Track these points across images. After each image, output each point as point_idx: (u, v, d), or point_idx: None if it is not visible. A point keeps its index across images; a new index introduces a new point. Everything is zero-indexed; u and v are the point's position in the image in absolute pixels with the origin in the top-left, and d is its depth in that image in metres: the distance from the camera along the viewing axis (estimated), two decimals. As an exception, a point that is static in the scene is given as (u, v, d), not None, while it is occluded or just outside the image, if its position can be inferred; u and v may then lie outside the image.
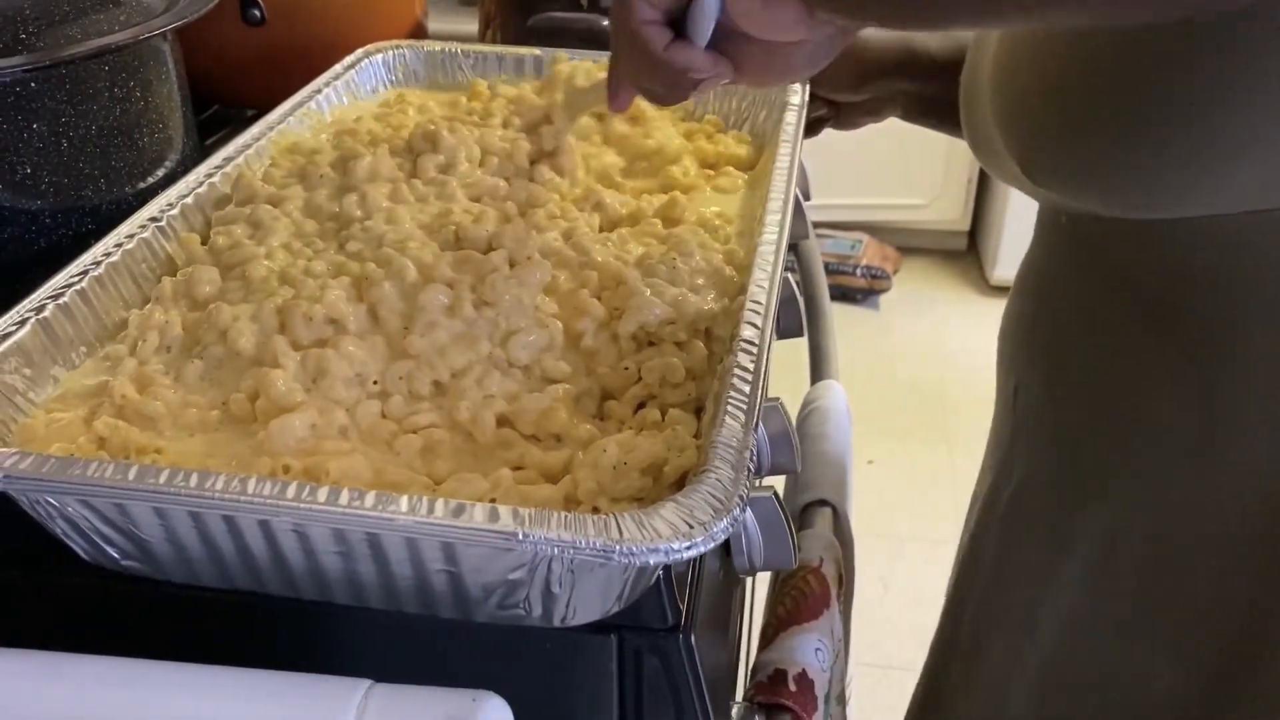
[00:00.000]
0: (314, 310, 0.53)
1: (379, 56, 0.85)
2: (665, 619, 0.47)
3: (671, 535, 0.39)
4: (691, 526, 0.39)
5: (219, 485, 0.40)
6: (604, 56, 0.84)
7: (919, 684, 0.83)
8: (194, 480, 0.40)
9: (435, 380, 0.52)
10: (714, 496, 0.41)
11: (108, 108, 0.68)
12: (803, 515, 0.75)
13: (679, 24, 0.51)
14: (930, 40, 0.80)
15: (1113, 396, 0.62)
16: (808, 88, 0.80)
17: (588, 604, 0.45)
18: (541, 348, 0.54)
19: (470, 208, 0.64)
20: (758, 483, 0.50)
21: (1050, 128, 0.57)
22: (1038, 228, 0.68)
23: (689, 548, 0.38)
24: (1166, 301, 0.58)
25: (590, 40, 0.91)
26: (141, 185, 0.72)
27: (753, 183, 0.73)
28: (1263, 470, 0.57)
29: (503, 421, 0.51)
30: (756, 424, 0.45)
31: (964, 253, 2.89)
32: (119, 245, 0.58)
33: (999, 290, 2.61)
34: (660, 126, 0.76)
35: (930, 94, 0.81)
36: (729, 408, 0.45)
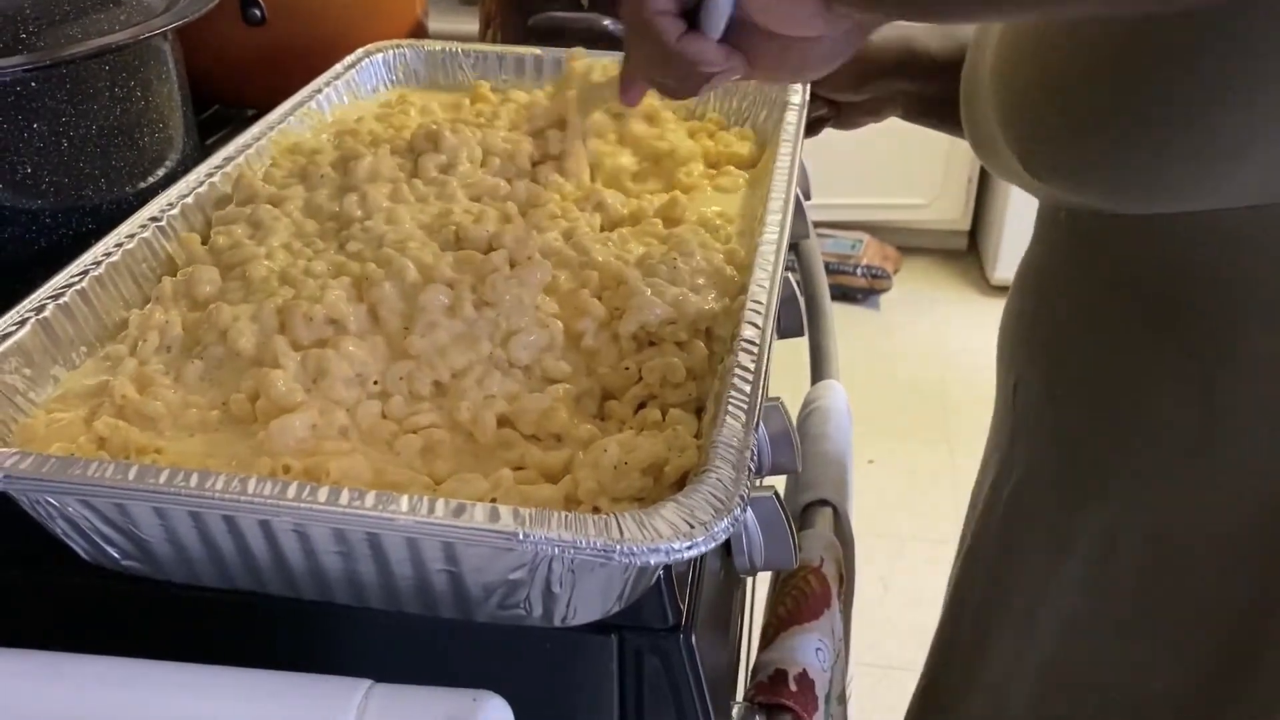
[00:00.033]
0: (314, 310, 0.53)
1: (379, 56, 0.85)
2: (666, 619, 0.47)
3: (672, 535, 0.39)
4: (692, 526, 0.39)
5: (219, 485, 0.40)
6: (618, 56, 0.84)
7: (919, 683, 0.83)
8: (194, 480, 0.40)
9: (436, 380, 0.52)
10: (715, 496, 0.41)
11: (108, 107, 0.68)
12: (803, 515, 0.75)
13: (693, 16, 0.50)
14: (930, 40, 0.80)
15: (1112, 394, 0.62)
16: (808, 87, 0.80)
17: (588, 604, 0.45)
18: (542, 348, 0.54)
19: (470, 208, 0.64)
20: (758, 482, 0.50)
21: (1051, 123, 0.57)
22: (1037, 225, 0.68)
23: (690, 548, 0.38)
24: (1166, 298, 0.58)
25: (591, 40, 0.91)
26: (142, 185, 0.72)
27: (753, 182, 0.73)
28: (1263, 469, 0.57)
29: (503, 421, 0.51)
30: (757, 424, 0.45)
31: (964, 252, 2.89)
32: (119, 245, 0.58)
33: (999, 290, 2.61)
34: (673, 128, 0.76)
35: (930, 94, 0.81)
36: (730, 407, 0.45)
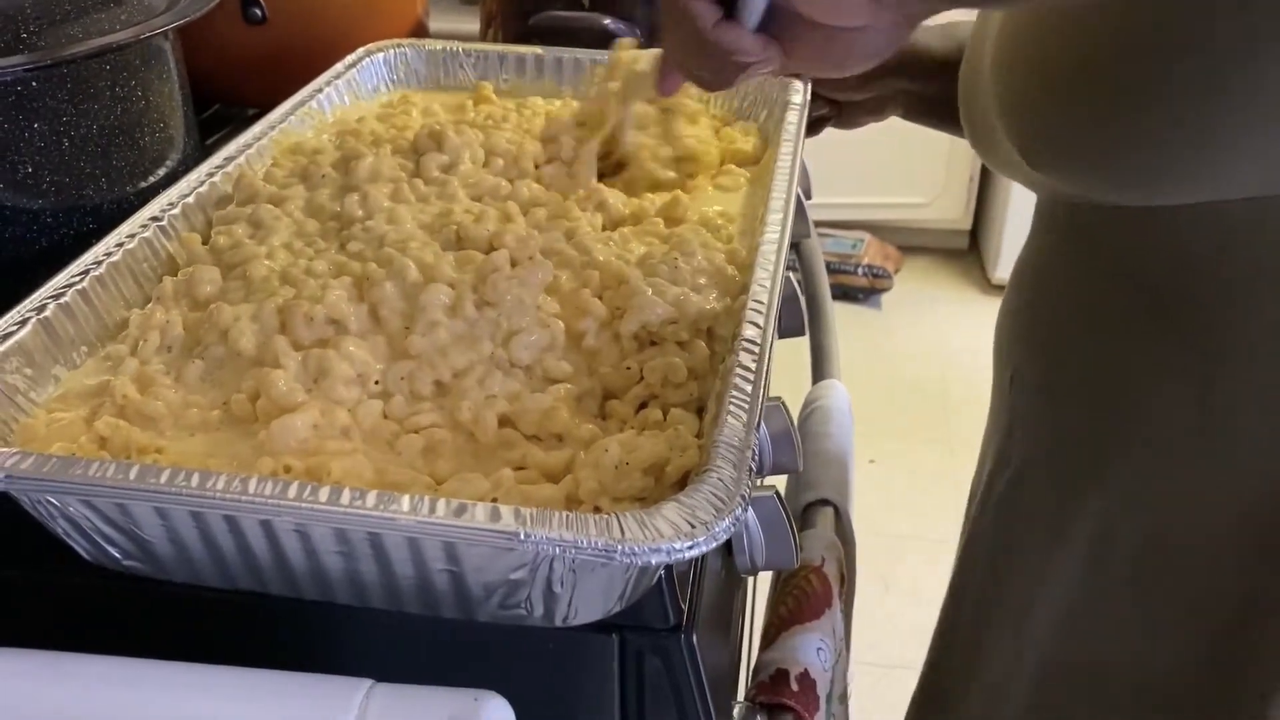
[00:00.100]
0: (315, 310, 0.53)
1: (380, 55, 0.85)
2: (667, 619, 0.47)
3: (673, 535, 0.39)
4: (693, 526, 0.39)
5: (220, 485, 0.40)
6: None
7: (921, 675, 0.83)
8: (195, 480, 0.40)
9: (437, 380, 0.52)
10: (716, 496, 0.41)
11: (109, 107, 0.68)
12: (804, 515, 0.75)
13: (730, 4, 0.48)
14: (931, 39, 0.80)
15: (1110, 387, 0.62)
16: (809, 86, 0.80)
17: (589, 604, 0.45)
18: (543, 347, 0.54)
19: (471, 207, 0.64)
20: (759, 482, 0.50)
21: (1052, 114, 0.57)
22: (1035, 220, 0.68)
23: (691, 547, 0.38)
24: (1165, 290, 0.58)
25: (592, 39, 0.91)
26: (143, 184, 0.72)
27: (754, 181, 0.73)
28: (1260, 461, 0.57)
29: (504, 421, 0.51)
30: (758, 423, 0.45)
31: (965, 252, 2.89)
32: (120, 245, 0.58)
33: (1000, 289, 2.60)
34: (705, 125, 0.76)
35: (931, 93, 0.82)
36: (731, 407, 0.45)
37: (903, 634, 1.65)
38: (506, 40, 0.98)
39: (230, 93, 0.95)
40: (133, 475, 0.41)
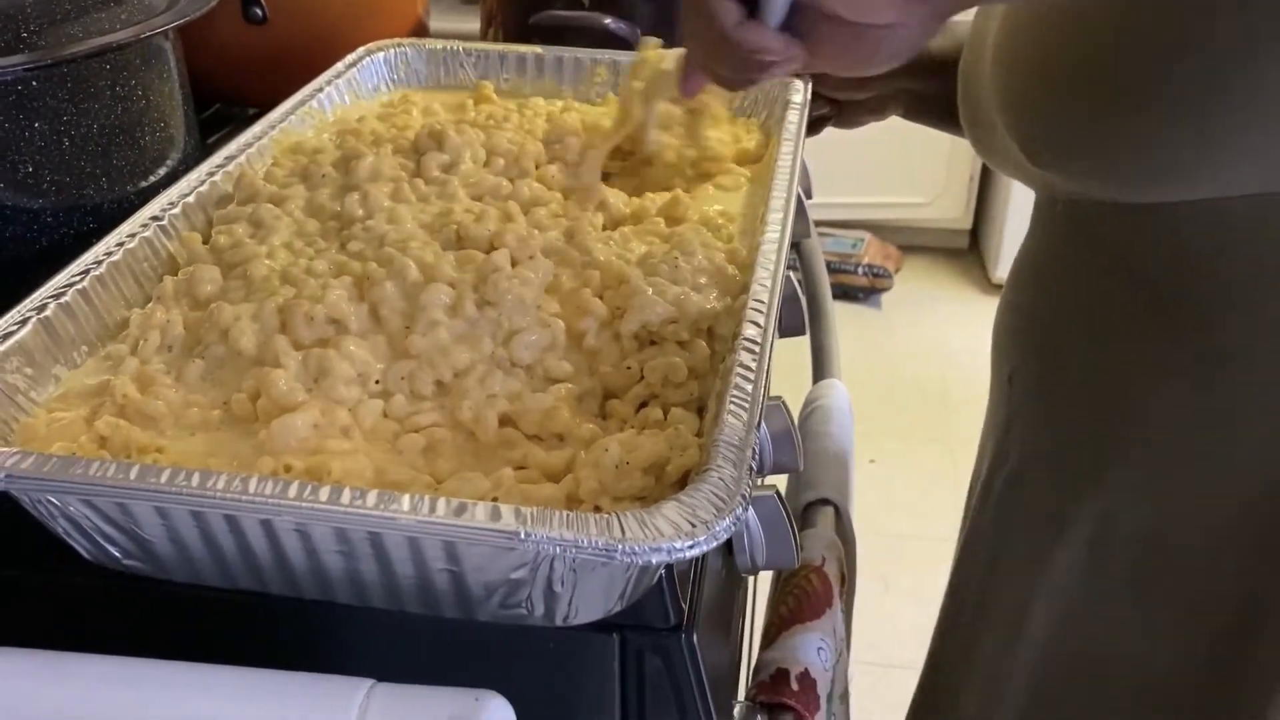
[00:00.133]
0: (315, 310, 0.53)
1: (381, 55, 0.85)
2: (667, 618, 0.47)
3: (674, 534, 0.39)
4: (694, 525, 0.39)
5: (221, 485, 0.40)
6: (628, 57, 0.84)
7: (923, 672, 0.83)
8: (196, 480, 0.40)
9: (437, 380, 0.52)
10: (716, 495, 0.41)
11: (109, 106, 0.68)
12: (805, 514, 0.75)
13: (753, 3, 0.47)
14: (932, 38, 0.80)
15: (1108, 384, 0.62)
16: (810, 86, 0.80)
17: (590, 603, 0.45)
18: (544, 347, 0.54)
19: (472, 207, 0.64)
20: (760, 481, 0.50)
21: (1052, 111, 0.57)
22: (1034, 217, 0.68)
23: (691, 547, 0.38)
24: (1164, 288, 0.58)
25: (592, 39, 0.91)
26: (143, 184, 0.72)
27: (755, 181, 0.73)
28: (1258, 458, 0.57)
29: (505, 421, 0.51)
30: (759, 423, 0.45)
31: (966, 251, 2.89)
32: (120, 244, 0.58)
33: (1001, 289, 2.61)
34: (727, 130, 0.76)
35: (932, 92, 0.82)
36: (731, 406, 0.45)
37: (903, 633, 1.65)
38: (507, 39, 0.98)
39: (231, 92, 0.95)
40: (133, 475, 0.41)
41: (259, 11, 0.86)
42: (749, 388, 0.47)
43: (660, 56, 0.71)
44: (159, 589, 0.48)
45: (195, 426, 0.50)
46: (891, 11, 0.43)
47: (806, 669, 0.60)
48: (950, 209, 2.79)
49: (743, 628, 0.76)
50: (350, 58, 0.84)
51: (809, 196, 0.89)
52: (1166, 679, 0.64)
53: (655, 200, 0.68)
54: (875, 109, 0.87)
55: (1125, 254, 0.60)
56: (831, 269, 2.46)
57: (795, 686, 0.59)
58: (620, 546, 0.38)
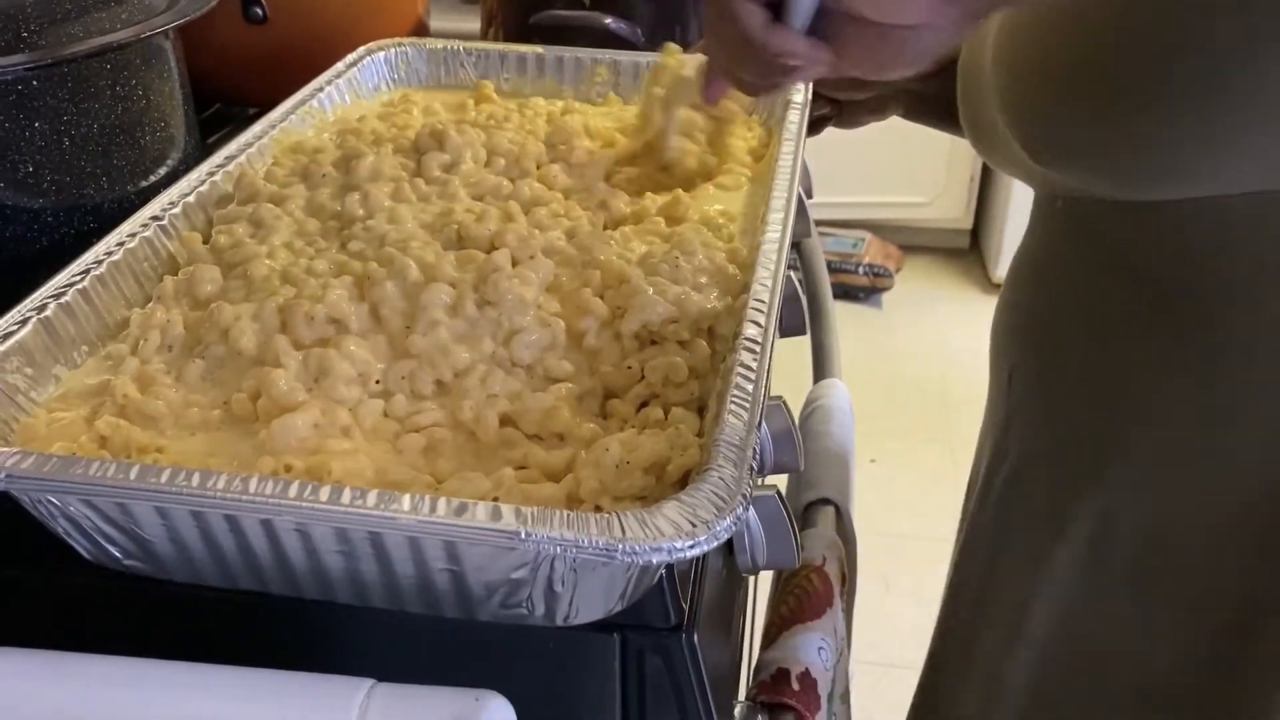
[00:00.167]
0: (316, 310, 0.53)
1: (381, 54, 0.85)
2: (668, 618, 0.47)
3: (674, 534, 0.39)
4: (694, 525, 0.39)
5: (221, 485, 0.40)
6: (636, 57, 0.84)
7: (923, 671, 0.83)
8: (196, 480, 0.40)
9: (438, 379, 0.52)
10: (717, 495, 0.40)
11: (109, 106, 0.68)
12: (805, 514, 0.75)
13: (778, 7, 0.47)
14: None
15: (1108, 383, 0.62)
16: (810, 86, 0.80)
17: (590, 603, 0.44)
18: (544, 347, 0.54)
19: (472, 206, 0.64)
20: (760, 481, 0.50)
21: (1053, 111, 0.57)
22: (1034, 214, 0.68)
23: (692, 547, 0.38)
24: (1166, 286, 0.58)
25: (593, 38, 0.91)
26: (143, 184, 0.72)
27: (755, 180, 0.73)
28: (1259, 456, 0.57)
29: (505, 421, 0.51)
30: (759, 422, 0.45)
31: (966, 251, 2.88)
32: (121, 244, 0.58)
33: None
34: (742, 131, 0.76)
35: (932, 92, 0.81)
36: (732, 406, 0.45)
37: (904, 633, 1.65)
38: (507, 39, 0.98)
39: (231, 92, 0.95)
40: (133, 475, 0.41)
41: (259, 11, 0.86)
42: (750, 387, 0.47)
43: (681, 63, 0.71)
44: (159, 589, 0.48)
45: (195, 426, 0.50)
46: (922, 12, 0.42)
47: (807, 669, 0.60)
48: (951, 209, 2.79)
49: (743, 627, 0.76)
50: (351, 57, 0.84)
51: (810, 196, 0.89)
52: (1167, 678, 0.64)
53: (656, 200, 0.68)
54: (876, 109, 0.87)
55: (1126, 251, 0.60)
56: (832, 268, 2.46)
57: (796, 686, 0.59)
58: (621, 546, 0.38)
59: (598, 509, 0.44)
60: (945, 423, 2.25)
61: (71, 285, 0.54)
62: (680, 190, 0.69)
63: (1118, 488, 0.63)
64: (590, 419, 0.51)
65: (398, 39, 0.87)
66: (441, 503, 0.39)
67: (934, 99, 0.82)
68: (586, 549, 0.38)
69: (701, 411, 0.51)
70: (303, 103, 0.76)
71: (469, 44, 0.87)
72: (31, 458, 0.42)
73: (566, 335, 0.55)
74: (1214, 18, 0.50)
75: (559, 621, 0.45)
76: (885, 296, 2.71)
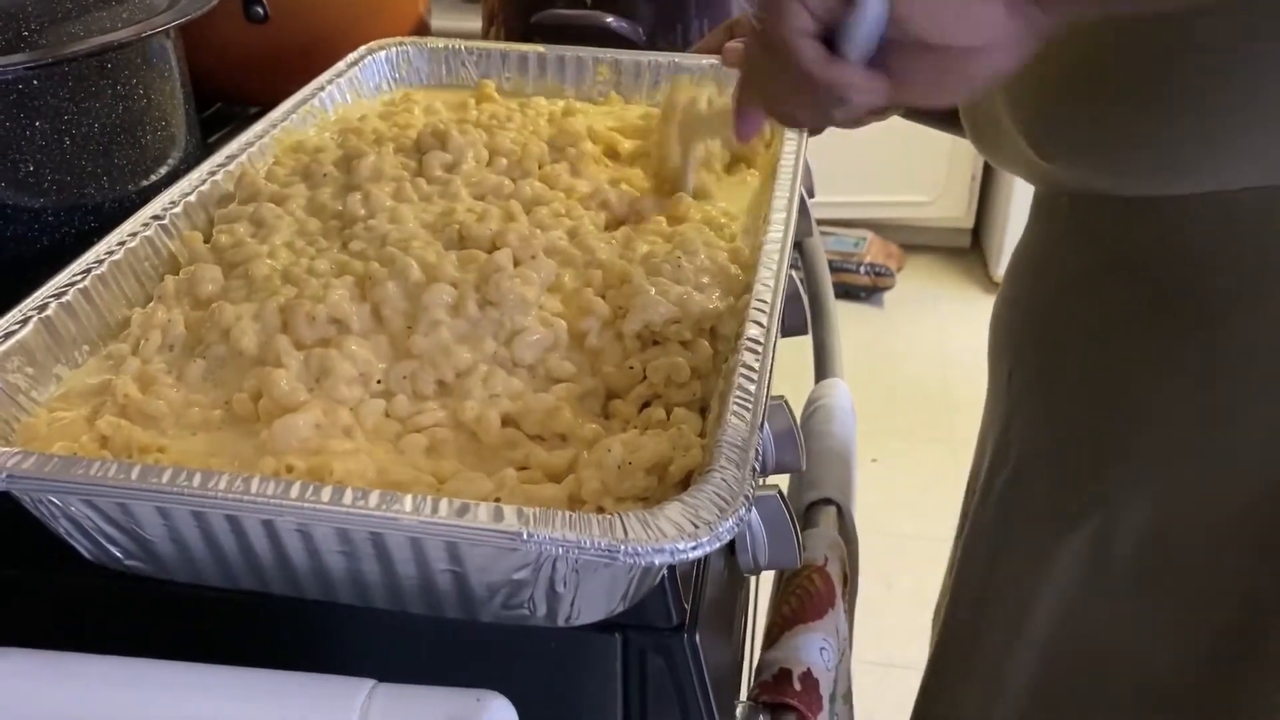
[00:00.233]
0: (317, 309, 0.53)
1: (382, 54, 0.85)
2: (670, 618, 0.47)
3: (676, 535, 0.38)
4: (696, 526, 0.39)
5: (222, 485, 0.40)
6: (637, 57, 0.83)
7: (925, 671, 0.83)
8: (197, 480, 0.40)
9: (439, 380, 0.52)
10: (719, 496, 0.40)
11: (110, 105, 0.68)
12: (807, 514, 0.75)
13: (829, 38, 0.45)
14: None
15: (1109, 381, 0.62)
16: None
17: (592, 604, 0.44)
18: (546, 347, 0.54)
19: (474, 206, 0.63)
20: (762, 481, 0.50)
21: (1055, 110, 0.57)
22: (1034, 211, 0.68)
23: (694, 548, 0.38)
24: (1167, 284, 0.58)
25: (594, 38, 0.91)
26: (144, 183, 0.72)
27: (757, 180, 0.73)
28: (1260, 455, 0.57)
29: (507, 421, 0.50)
30: (761, 423, 0.45)
31: (968, 250, 2.88)
32: (122, 243, 0.58)
33: (1003, 288, 2.61)
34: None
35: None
36: (734, 406, 0.45)
37: (905, 633, 1.64)
38: (508, 38, 0.98)
39: (232, 91, 0.95)
40: (134, 475, 0.41)
41: (260, 10, 0.86)
42: (752, 388, 0.47)
43: (692, 99, 0.68)
44: (160, 589, 0.48)
45: (197, 426, 0.50)
46: (986, 30, 0.41)
47: (809, 669, 0.60)
48: (952, 208, 2.78)
49: (745, 628, 0.76)
50: (352, 56, 0.84)
51: (811, 195, 0.89)
52: (1167, 678, 0.64)
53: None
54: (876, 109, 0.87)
55: (1128, 248, 0.60)
56: (834, 268, 2.45)
57: (798, 686, 0.59)
58: (623, 547, 0.38)
59: (600, 510, 0.44)
60: (947, 422, 2.25)
61: (72, 285, 0.54)
62: (680, 190, 0.69)
63: (1118, 487, 0.62)
64: (592, 419, 0.51)
65: (399, 38, 0.87)
66: (443, 503, 0.39)
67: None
68: (589, 550, 0.38)
69: (704, 412, 0.51)
70: (304, 102, 0.76)
71: (470, 43, 0.87)
72: (33, 458, 0.42)
73: (568, 335, 0.55)
74: (1214, 18, 0.50)
75: (561, 622, 0.45)
76: (887, 296, 2.70)
